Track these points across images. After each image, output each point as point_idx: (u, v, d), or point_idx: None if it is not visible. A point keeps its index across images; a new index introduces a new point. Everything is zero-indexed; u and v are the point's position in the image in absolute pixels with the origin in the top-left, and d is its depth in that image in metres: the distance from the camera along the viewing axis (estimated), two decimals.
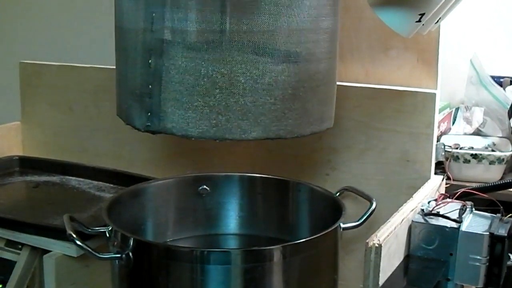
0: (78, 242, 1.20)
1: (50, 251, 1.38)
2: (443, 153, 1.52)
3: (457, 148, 1.81)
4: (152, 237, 1.47)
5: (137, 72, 1.15)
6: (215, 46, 1.08)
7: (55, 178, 1.80)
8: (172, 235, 1.51)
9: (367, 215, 1.31)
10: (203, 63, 1.08)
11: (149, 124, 1.14)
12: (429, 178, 1.46)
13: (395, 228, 1.18)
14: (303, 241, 1.20)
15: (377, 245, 1.10)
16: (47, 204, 1.62)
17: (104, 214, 1.29)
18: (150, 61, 1.11)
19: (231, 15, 1.08)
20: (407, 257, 1.28)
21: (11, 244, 1.46)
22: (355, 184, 1.49)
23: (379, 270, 1.11)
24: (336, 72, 1.27)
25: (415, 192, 1.38)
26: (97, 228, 1.33)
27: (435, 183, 1.48)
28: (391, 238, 1.15)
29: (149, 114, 1.13)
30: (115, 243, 1.24)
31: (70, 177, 1.80)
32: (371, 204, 1.33)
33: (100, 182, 1.76)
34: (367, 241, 1.12)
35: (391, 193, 1.50)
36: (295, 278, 1.19)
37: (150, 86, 1.12)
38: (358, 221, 1.32)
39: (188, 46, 1.08)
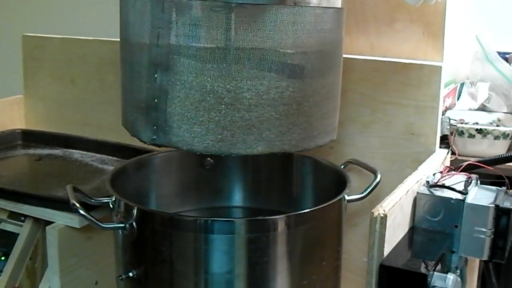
0: (82, 212, 1.19)
1: (53, 222, 1.38)
2: (448, 127, 1.50)
3: (461, 123, 1.79)
4: (156, 209, 1.46)
5: (143, 86, 1.14)
6: (221, 62, 1.07)
7: (58, 151, 1.80)
8: (176, 207, 1.51)
9: (371, 187, 1.31)
10: (208, 79, 1.08)
11: (154, 137, 1.14)
12: (434, 152, 1.46)
13: (400, 199, 1.17)
14: (307, 211, 1.19)
15: (382, 215, 1.09)
16: (50, 177, 1.62)
17: (108, 184, 1.29)
18: (156, 75, 1.11)
19: (236, 31, 1.07)
20: (412, 229, 1.27)
21: (14, 216, 1.46)
22: (359, 157, 1.48)
23: (384, 241, 1.10)
24: (340, 84, 1.26)
25: (418, 165, 1.37)
26: (100, 199, 1.32)
27: (440, 157, 1.46)
28: (396, 208, 1.14)
29: (155, 127, 1.14)
30: (118, 213, 1.23)
31: (73, 150, 1.80)
32: (376, 176, 1.33)
33: (103, 155, 1.76)
34: (372, 211, 1.11)
35: (396, 166, 1.49)
36: (299, 248, 1.19)
37: (156, 100, 1.12)
38: (362, 193, 1.31)
39: (194, 62, 1.08)
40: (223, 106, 1.08)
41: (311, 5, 1.12)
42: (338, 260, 1.30)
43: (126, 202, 1.20)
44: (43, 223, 1.41)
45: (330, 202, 1.21)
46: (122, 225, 1.19)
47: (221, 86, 1.08)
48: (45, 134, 1.88)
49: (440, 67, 1.43)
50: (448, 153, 1.50)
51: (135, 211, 1.18)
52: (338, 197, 1.24)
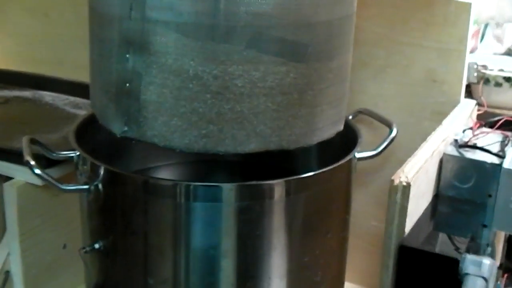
0: (37, 170, 1.04)
1: (12, 178, 1.27)
2: (475, 74, 1.39)
3: (485, 69, 1.60)
4: (131, 163, 1.30)
5: (113, 67, 1.00)
6: (207, 40, 0.92)
7: (27, 93, 1.67)
8: (154, 160, 1.36)
9: (386, 143, 1.18)
10: (191, 62, 0.93)
11: (126, 129, 1.00)
12: (458, 103, 1.35)
13: (425, 162, 0.99)
14: (311, 175, 1.02)
15: (404, 183, 0.94)
16: (14, 123, 1.50)
17: (71, 137, 1.12)
18: (127, 55, 0.97)
19: (226, 2, 0.91)
20: (436, 197, 1.12)
21: None
22: (371, 106, 1.35)
23: (405, 215, 0.96)
24: (349, 66, 1.10)
25: (440, 118, 1.28)
26: (63, 153, 1.16)
27: (467, 109, 1.32)
28: (420, 175, 0.98)
29: (126, 118, 1.00)
30: (83, 172, 1.08)
31: (44, 92, 1.67)
32: (391, 130, 1.20)
33: (77, 98, 1.62)
34: (392, 178, 0.96)
35: (413, 118, 1.39)
36: (300, 219, 1.04)
37: (128, 85, 0.98)
38: (375, 149, 1.17)
39: (173, 40, 0.93)
40: (208, 95, 0.94)
41: None
42: (345, 230, 1.15)
43: (91, 160, 1.04)
44: (4, 179, 1.29)
45: (338, 163, 1.05)
46: (86, 187, 1.06)
47: (207, 71, 0.93)
48: (14, 74, 1.74)
49: (470, 4, 1.30)
50: (476, 104, 1.37)
51: (101, 171, 1.03)
52: (348, 157, 1.07)
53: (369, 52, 1.40)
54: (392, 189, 0.94)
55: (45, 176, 1.03)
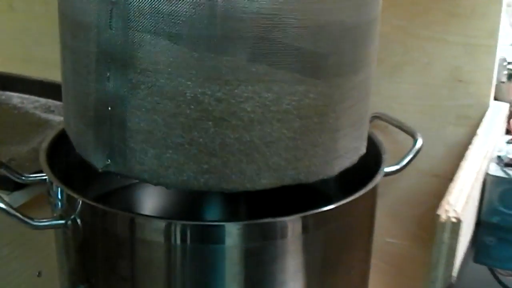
0: (1, 204, 0.89)
1: None
2: (505, 72, 1.26)
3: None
4: (114, 181, 1.16)
5: (90, 87, 0.84)
6: (206, 46, 0.76)
7: None
8: None
9: (410, 156, 1.07)
10: (188, 82, 0.78)
11: (109, 163, 0.85)
12: (487, 106, 1.25)
13: (471, 188, 0.85)
14: (333, 208, 0.87)
15: (454, 219, 0.82)
16: None
17: (42, 159, 0.98)
18: (108, 74, 0.81)
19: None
20: (478, 225, 1.00)
21: None
22: (385, 109, 1.26)
23: (454, 256, 0.83)
24: (372, 77, 0.96)
25: (466, 123, 1.22)
26: (33, 176, 1.04)
27: (500, 113, 1.21)
28: (469, 205, 0.83)
29: (108, 149, 0.85)
30: (58, 202, 0.94)
31: (11, 93, 1.55)
32: (416, 140, 1.10)
33: (49, 100, 1.51)
34: (438, 213, 0.82)
35: (435, 123, 1.29)
36: (319, 259, 0.90)
37: (109, 109, 0.83)
38: (398, 164, 1.05)
39: (165, 52, 0.77)
40: (210, 122, 0.80)
41: None
42: (367, 263, 1.01)
43: (67, 191, 0.89)
44: None
45: (364, 190, 0.90)
46: (62, 222, 0.91)
47: (208, 93, 0.79)
48: None
49: None
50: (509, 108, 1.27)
51: (79, 205, 0.88)
52: (374, 181, 0.93)
53: (384, 47, 1.25)
54: (439, 226, 0.80)
55: (12, 212, 0.89)
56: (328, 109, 0.84)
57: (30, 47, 1.71)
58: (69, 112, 0.92)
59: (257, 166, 0.82)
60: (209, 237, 0.83)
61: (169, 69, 0.77)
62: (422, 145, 1.11)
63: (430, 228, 1.29)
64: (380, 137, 1.10)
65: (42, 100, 1.52)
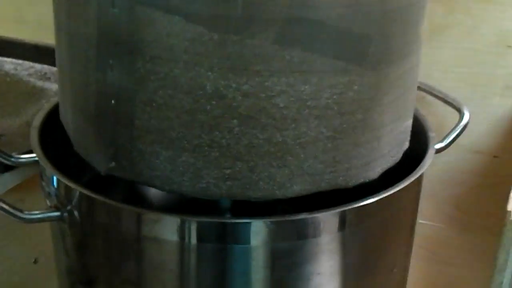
0: None
1: None
2: None
3: None
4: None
5: (90, 77, 0.74)
6: (230, 27, 0.65)
7: None
8: None
9: (456, 132, 0.97)
10: (209, 72, 0.67)
11: (114, 165, 0.75)
12: None
13: None
14: (379, 199, 0.75)
15: None
16: None
17: (34, 139, 0.86)
18: (111, 61, 0.71)
19: None
20: None
21: None
22: (424, 78, 1.12)
23: None
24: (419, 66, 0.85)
25: None
26: (25, 157, 0.92)
27: None
28: None
29: (113, 150, 0.76)
30: (52, 190, 0.82)
31: (4, 59, 1.47)
32: (462, 115, 1.00)
33: (45, 66, 1.42)
34: (509, 209, 0.72)
35: (478, 93, 1.20)
36: (358, 258, 0.80)
37: (113, 102, 0.73)
38: (442, 141, 0.95)
39: (181, 39, 0.67)
40: (235, 120, 0.70)
41: None
42: (409, 257, 0.91)
43: (64, 182, 0.77)
44: None
45: (410, 180, 0.78)
46: (57, 213, 0.80)
47: (233, 85, 0.68)
48: None
49: None
50: None
51: (76, 196, 0.76)
52: (420, 169, 0.81)
53: None
54: (509, 225, 0.68)
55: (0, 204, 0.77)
56: (373, 103, 0.74)
57: (24, 8, 1.60)
58: (66, 105, 0.82)
59: (289, 170, 0.72)
60: (232, 236, 0.73)
61: (185, 56, 0.65)
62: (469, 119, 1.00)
63: (469, 211, 1.21)
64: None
65: (38, 66, 1.43)
